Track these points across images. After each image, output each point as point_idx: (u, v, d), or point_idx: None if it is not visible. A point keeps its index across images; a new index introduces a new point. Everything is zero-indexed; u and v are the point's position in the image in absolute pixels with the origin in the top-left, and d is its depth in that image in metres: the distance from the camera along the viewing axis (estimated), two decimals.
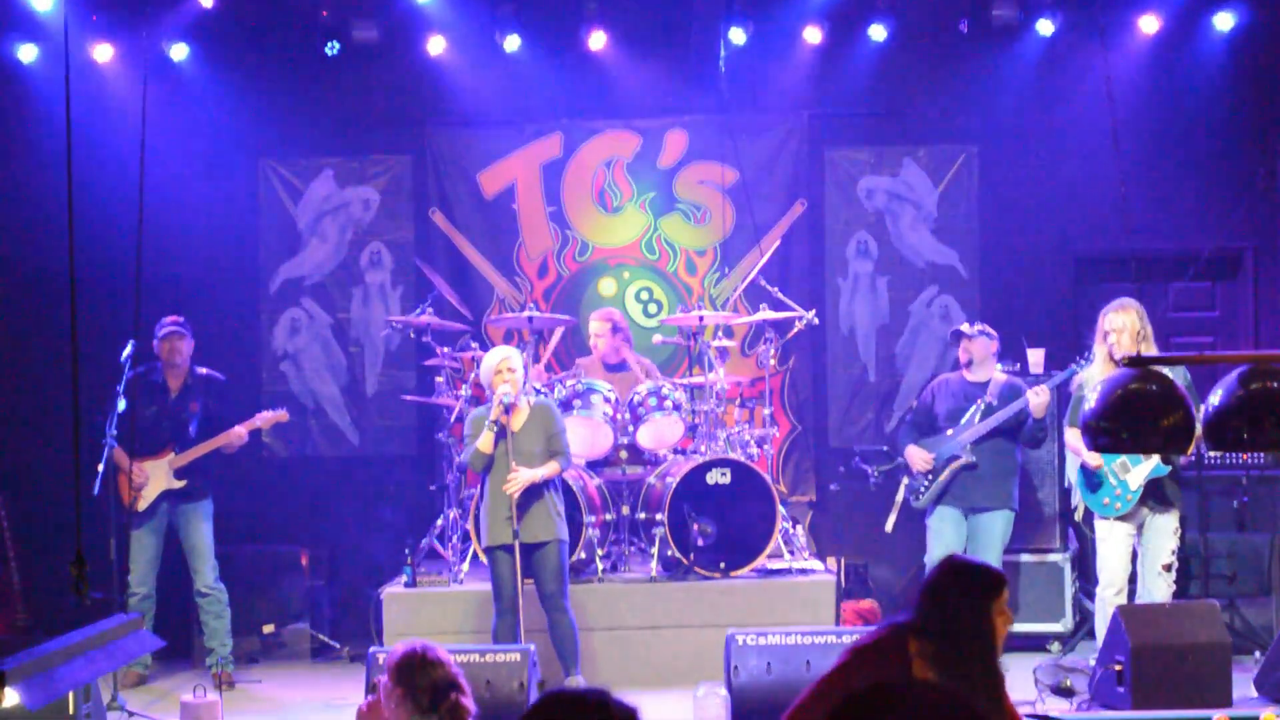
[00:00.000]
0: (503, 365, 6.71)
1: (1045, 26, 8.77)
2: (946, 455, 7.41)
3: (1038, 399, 7.27)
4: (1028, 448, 7.75)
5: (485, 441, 6.69)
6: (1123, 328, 6.82)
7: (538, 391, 7.31)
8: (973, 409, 7.41)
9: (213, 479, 7.75)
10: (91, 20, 8.60)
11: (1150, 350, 6.71)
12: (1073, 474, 7.17)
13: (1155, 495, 6.85)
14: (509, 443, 6.65)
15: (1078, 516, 7.67)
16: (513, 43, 8.84)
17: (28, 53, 8.71)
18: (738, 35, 8.76)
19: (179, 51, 8.77)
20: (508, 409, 6.67)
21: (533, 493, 6.70)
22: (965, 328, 7.60)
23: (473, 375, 7.88)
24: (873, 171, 9.19)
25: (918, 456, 7.47)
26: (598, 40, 8.80)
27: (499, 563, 6.69)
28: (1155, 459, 6.79)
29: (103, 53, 8.67)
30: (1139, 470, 6.82)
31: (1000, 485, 7.43)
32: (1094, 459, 6.88)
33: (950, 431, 7.45)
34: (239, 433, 7.57)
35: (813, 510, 8.88)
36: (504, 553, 6.65)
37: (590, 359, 8.41)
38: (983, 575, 3.66)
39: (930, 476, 7.45)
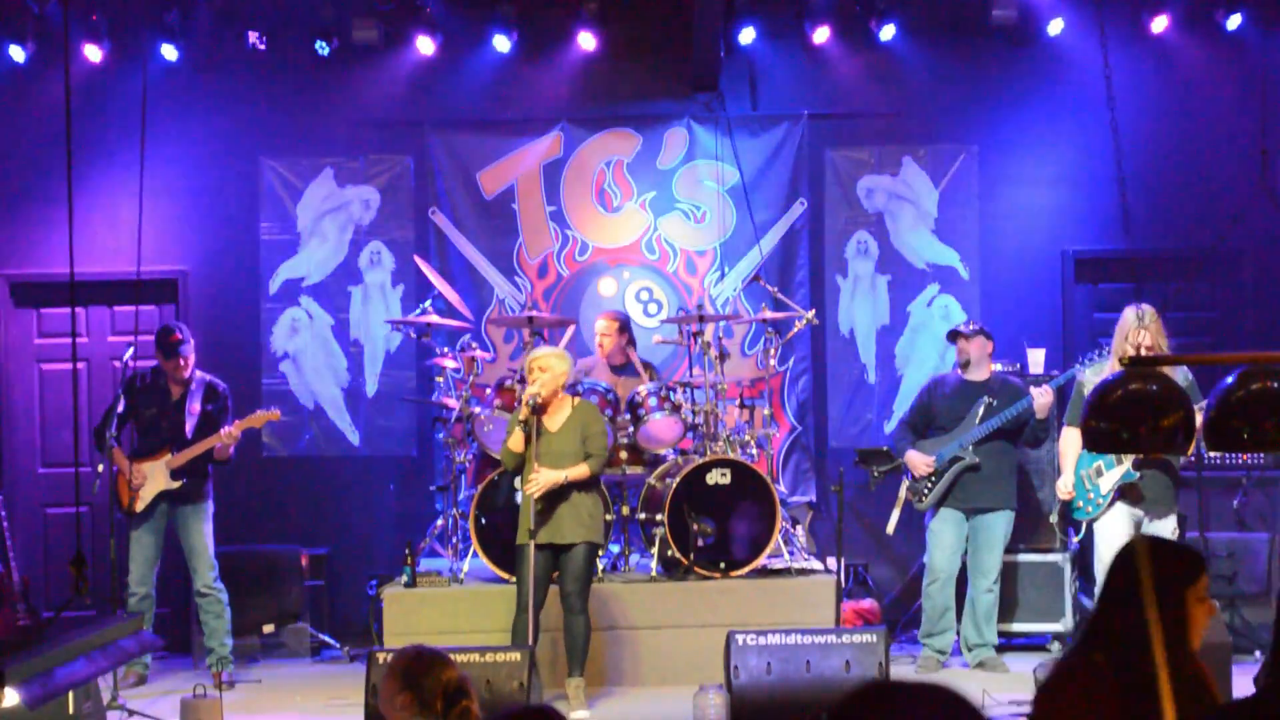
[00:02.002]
0: (533, 364, 6.69)
1: (1045, 27, 8.77)
2: (948, 456, 7.41)
3: (1042, 399, 7.27)
4: (1027, 447, 7.75)
5: (515, 440, 6.67)
6: (1153, 345, 6.67)
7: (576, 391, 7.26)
8: (975, 409, 7.40)
9: (212, 480, 7.74)
10: (91, 20, 8.59)
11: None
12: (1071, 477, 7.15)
13: (1133, 496, 6.82)
14: (536, 443, 6.65)
15: (1052, 519, 7.66)
16: (513, 42, 8.84)
17: (26, 53, 8.69)
18: (738, 35, 8.75)
19: (178, 51, 8.75)
20: (535, 409, 6.65)
21: (561, 494, 6.68)
22: (961, 327, 7.60)
23: (473, 376, 7.88)
24: (873, 171, 9.18)
25: (919, 461, 7.46)
26: (598, 40, 8.78)
27: (520, 562, 6.70)
28: (1126, 465, 6.80)
29: (102, 52, 8.66)
30: (1110, 475, 6.83)
31: (1001, 485, 7.44)
32: (1065, 487, 6.94)
33: (953, 432, 7.45)
34: (232, 433, 7.53)
35: (813, 510, 8.88)
36: (525, 551, 6.66)
37: (592, 359, 8.38)
38: (1179, 555, 3.30)
39: (933, 479, 7.44)
